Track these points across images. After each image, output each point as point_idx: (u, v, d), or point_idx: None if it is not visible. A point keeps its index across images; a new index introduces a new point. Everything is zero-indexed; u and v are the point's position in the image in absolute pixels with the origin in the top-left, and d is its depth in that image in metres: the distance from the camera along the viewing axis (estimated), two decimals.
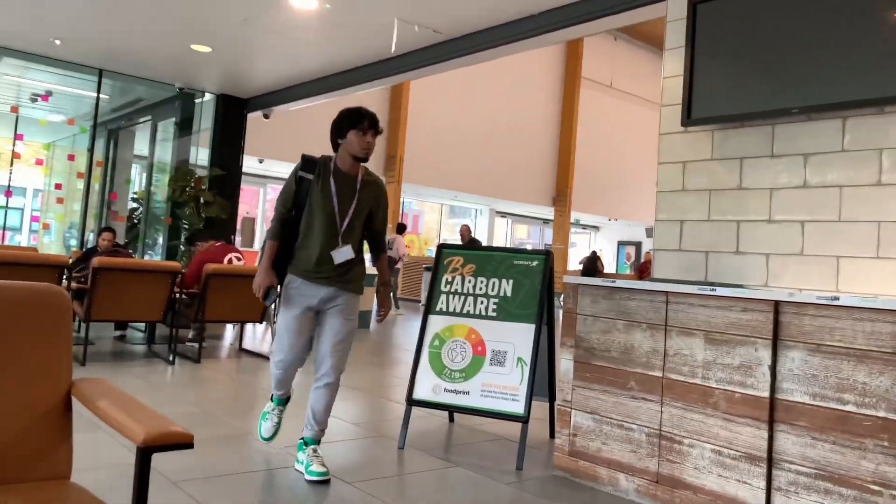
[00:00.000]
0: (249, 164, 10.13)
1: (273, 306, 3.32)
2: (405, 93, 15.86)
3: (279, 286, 3.34)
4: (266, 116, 9.51)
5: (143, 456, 1.53)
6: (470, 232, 12.17)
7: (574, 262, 19.55)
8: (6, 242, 12.94)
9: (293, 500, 2.93)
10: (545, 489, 3.28)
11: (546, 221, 22.58)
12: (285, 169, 15.23)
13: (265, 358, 6.52)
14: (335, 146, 3.28)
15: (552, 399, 4.16)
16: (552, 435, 4.22)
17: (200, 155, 9.49)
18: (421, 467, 3.51)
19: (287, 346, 3.28)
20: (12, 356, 1.80)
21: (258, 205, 16.94)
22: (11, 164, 9.35)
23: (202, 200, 8.79)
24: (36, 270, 5.20)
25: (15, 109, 9.82)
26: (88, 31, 6.95)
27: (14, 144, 9.77)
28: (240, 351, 6.93)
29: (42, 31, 7.07)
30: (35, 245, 13.06)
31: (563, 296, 3.68)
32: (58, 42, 7.39)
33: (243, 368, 6.00)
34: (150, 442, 1.52)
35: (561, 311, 3.88)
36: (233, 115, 9.40)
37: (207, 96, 9.44)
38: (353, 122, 3.19)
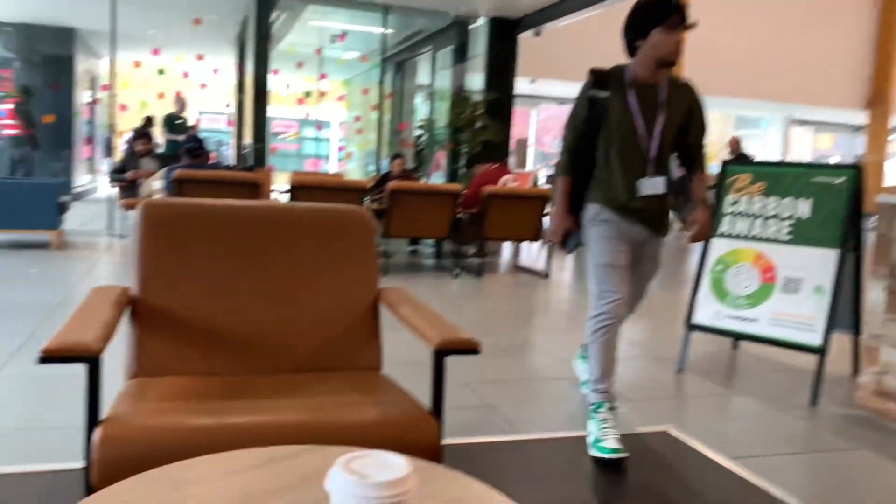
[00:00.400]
0: (521, 85, 10.24)
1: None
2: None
3: (578, 229, 2.80)
4: (537, 34, 9.47)
5: (438, 357, 1.70)
6: (739, 145, 10.98)
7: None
8: (319, 169, 14.86)
9: (572, 406, 3.05)
10: (845, 428, 2.98)
11: (858, 129, 19.54)
12: (557, 88, 15.12)
13: (540, 275, 6.74)
14: (632, 50, 2.61)
15: (857, 333, 3.70)
16: (856, 371, 3.78)
17: (476, 80, 9.83)
18: (702, 392, 3.40)
19: (617, 280, 2.62)
20: (330, 267, 2.09)
21: (530, 125, 17.16)
22: (318, 101, 10.61)
23: (478, 125, 9.16)
24: (341, 194, 5.92)
25: (319, 52, 11.06)
26: None
27: (319, 83, 11.05)
28: (516, 268, 7.26)
29: None
30: (340, 171, 14.83)
31: (875, 217, 3.19)
32: None
33: (520, 283, 6.29)
34: (443, 346, 1.68)
35: (872, 235, 3.38)
36: (504, 37, 9.52)
37: (480, 21, 9.66)
38: (658, 16, 2.51)
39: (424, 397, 1.75)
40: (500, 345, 4.04)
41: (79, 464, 2.15)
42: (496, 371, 3.51)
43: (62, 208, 6.64)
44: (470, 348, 1.70)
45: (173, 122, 10.53)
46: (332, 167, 17.66)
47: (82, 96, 12.97)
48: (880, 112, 16.83)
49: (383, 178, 7.48)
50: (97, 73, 14.21)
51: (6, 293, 4.57)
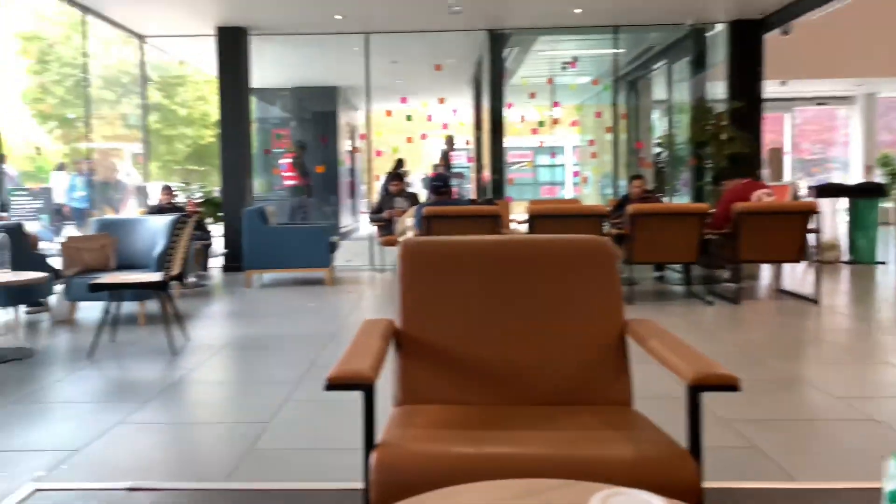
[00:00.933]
0: (770, 88, 9.44)
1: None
2: None
3: None
4: (785, 33, 8.68)
5: (693, 394, 1.63)
6: None
7: None
8: (556, 195, 15.00)
9: (857, 452, 2.70)
10: None
11: None
12: (812, 87, 13.70)
13: (808, 300, 6.07)
14: None
15: None
16: None
17: (717, 89, 9.28)
18: None
19: None
20: (575, 298, 2.11)
21: (784, 132, 15.70)
22: (552, 128, 10.76)
23: (723, 137, 8.61)
24: (580, 220, 5.92)
25: (550, 81, 11.25)
26: None
27: (552, 111, 11.21)
28: (779, 292, 6.62)
29: (565, 5, 7.88)
30: (576, 196, 14.80)
31: None
32: (578, 11, 8.15)
33: (784, 310, 5.73)
34: (699, 381, 1.61)
35: None
36: (747, 39, 8.88)
37: (718, 26, 9.13)
38: None
39: (678, 435, 1.68)
40: (764, 380, 3.72)
41: (357, 484, 2.40)
42: (761, 409, 3.23)
43: (332, 248, 7.49)
44: (728, 384, 1.61)
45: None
46: (567, 193, 17.73)
47: (344, 146, 14.58)
48: None
49: (622, 202, 7.33)
50: (355, 124, 15.89)
51: (291, 326, 5.26)
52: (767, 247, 5.90)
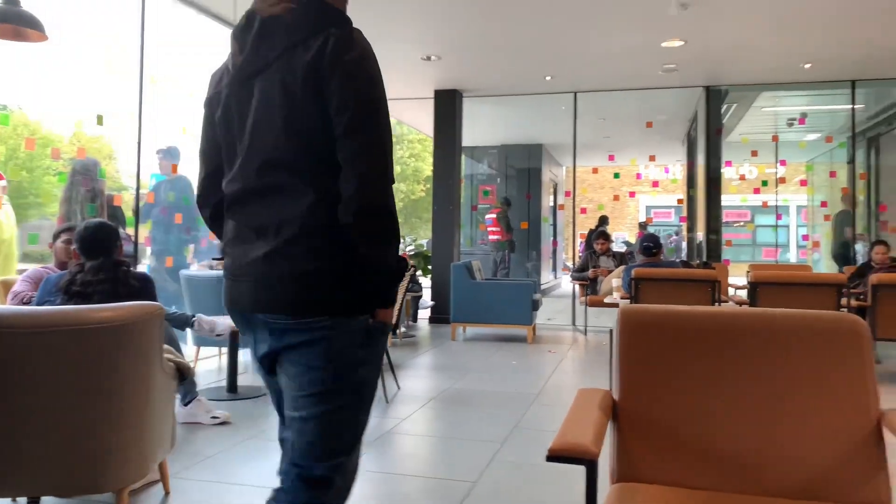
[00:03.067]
0: None
1: None
2: None
3: None
4: None
5: None
6: None
7: None
8: (778, 259, 13.86)
9: None
10: None
11: None
12: None
13: None
14: None
15: None
16: None
17: None
18: None
19: None
20: (818, 382, 1.90)
21: None
22: (777, 187, 10.00)
23: None
24: (812, 290, 5.36)
25: (775, 138, 10.51)
26: (838, 47, 6.87)
27: (777, 169, 10.44)
28: None
29: (793, 60, 7.37)
30: (803, 260, 13.54)
31: None
32: (807, 66, 7.58)
33: None
34: None
35: None
36: None
37: None
38: None
39: None
40: None
41: None
42: None
43: (535, 305, 7.50)
44: None
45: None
46: (791, 256, 16.29)
47: (547, 202, 14.71)
48: None
49: (862, 269, 6.56)
50: (559, 181, 16.00)
51: (495, 383, 5.30)
52: None
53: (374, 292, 1.51)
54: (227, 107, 1.59)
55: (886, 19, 6.05)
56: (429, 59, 7.47)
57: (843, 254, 9.27)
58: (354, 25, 1.53)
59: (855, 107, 8.59)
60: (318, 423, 1.51)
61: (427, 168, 21.03)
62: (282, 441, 1.62)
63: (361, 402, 1.56)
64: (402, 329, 7.64)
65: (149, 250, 6.60)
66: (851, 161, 9.20)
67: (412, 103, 9.58)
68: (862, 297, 5.78)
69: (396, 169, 21.03)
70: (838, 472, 1.83)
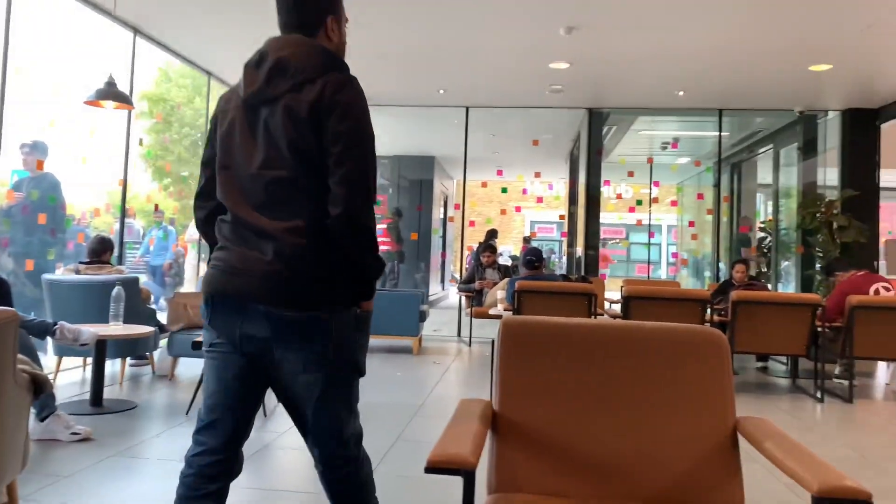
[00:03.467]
0: (887, 178, 9.00)
1: None
2: None
3: None
4: None
5: None
6: None
7: None
8: (651, 275, 14.66)
9: None
10: None
11: None
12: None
13: None
14: None
15: None
16: None
17: (828, 176, 8.91)
18: None
19: None
20: (682, 392, 2.00)
21: None
22: (650, 207, 10.60)
23: (835, 225, 8.20)
24: (680, 304, 5.70)
25: (650, 160, 11.15)
26: (707, 77, 7.38)
27: (651, 189, 11.06)
28: None
29: (668, 87, 7.86)
30: (673, 277, 14.38)
31: None
32: (681, 94, 8.10)
33: None
34: (825, 494, 1.48)
35: None
36: (862, 128, 8.55)
37: (831, 114, 8.85)
38: None
39: None
40: (883, 488, 3.39)
41: None
42: None
43: (422, 316, 7.53)
44: (861, 499, 1.46)
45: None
46: (662, 273, 17.28)
47: (437, 214, 14.85)
48: None
49: (724, 286, 7.05)
50: (449, 193, 16.20)
51: (378, 394, 5.26)
52: (885, 343, 5.50)
53: (361, 290, 1.88)
54: (231, 125, 1.86)
55: (749, 53, 6.57)
56: None
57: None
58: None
59: (721, 134, 9.26)
60: (324, 402, 1.87)
61: None
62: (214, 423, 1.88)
63: (357, 376, 1.95)
64: None
65: (6, 252, 6.07)
66: (717, 184, 9.91)
67: None
68: (723, 312, 6.21)
69: None
70: (698, 476, 1.94)
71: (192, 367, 5.97)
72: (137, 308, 5.29)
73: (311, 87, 1.77)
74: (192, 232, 9.52)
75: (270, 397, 4.86)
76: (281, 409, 4.62)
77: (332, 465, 1.94)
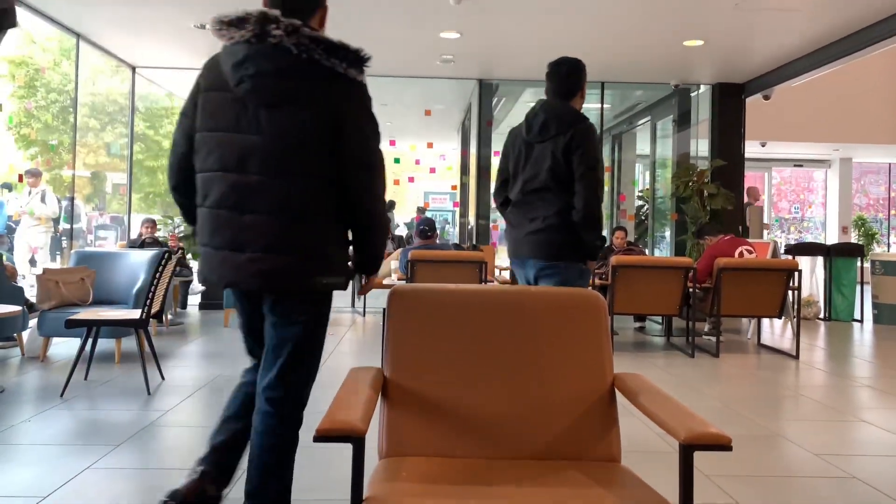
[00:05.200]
0: (750, 149, 9.68)
1: None
2: None
3: None
4: (766, 98, 8.96)
5: (687, 453, 1.60)
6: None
7: None
8: None
9: None
10: None
11: None
12: (790, 150, 14.05)
13: (787, 355, 6.13)
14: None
15: None
16: None
17: (700, 147, 9.48)
18: None
19: None
20: (565, 352, 2.10)
21: (763, 191, 16.02)
22: None
23: (706, 193, 8.76)
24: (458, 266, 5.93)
25: None
26: (591, 49, 7.63)
27: None
28: (759, 346, 6.67)
29: (554, 58, 8.04)
30: None
31: None
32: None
33: (764, 365, 5.76)
34: (691, 441, 1.59)
35: None
36: (730, 102, 9.14)
37: (703, 88, 9.38)
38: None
39: (662, 491, 1.66)
40: (745, 435, 3.71)
41: None
42: (742, 465, 3.22)
43: None
44: (722, 444, 1.59)
45: None
46: None
47: None
48: None
49: (604, 252, 7.38)
50: None
51: None
52: (749, 302, 5.97)
53: (589, 253, 3.20)
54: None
55: (628, 28, 6.83)
56: (203, 27, 7.00)
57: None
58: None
59: (603, 106, 9.61)
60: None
61: None
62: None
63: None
64: (169, 316, 7.14)
65: None
66: None
67: (186, 74, 8.94)
68: (604, 276, 6.52)
69: (164, 144, 19.53)
70: (579, 430, 2.04)
71: (65, 347, 5.63)
72: (2, 285, 4.91)
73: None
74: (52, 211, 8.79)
75: (154, 376, 4.66)
76: (165, 386, 4.45)
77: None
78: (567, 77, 3.35)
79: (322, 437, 1.53)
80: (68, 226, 8.97)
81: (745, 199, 9.63)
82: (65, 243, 9.60)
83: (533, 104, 3.43)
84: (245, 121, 1.96)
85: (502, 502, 1.62)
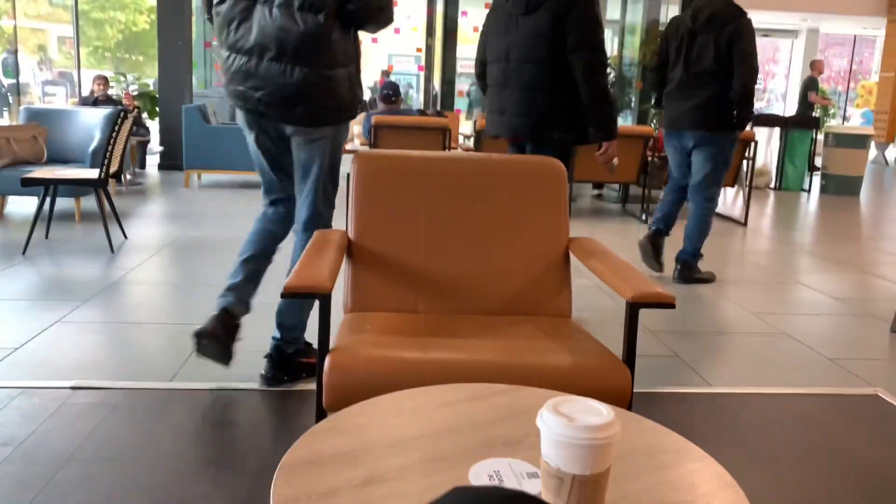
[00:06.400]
0: None
1: None
2: None
3: None
4: None
5: (632, 310, 1.73)
6: None
7: None
8: None
9: (765, 363, 2.94)
10: None
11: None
12: (758, 18, 13.79)
13: (736, 222, 6.38)
14: None
15: None
16: None
17: (671, 13, 9.27)
18: None
19: None
20: (525, 216, 2.18)
21: None
22: None
23: None
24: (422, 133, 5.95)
25: None
26: None
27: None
28: None
29: None
30: None
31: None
32: None
33: (714, 231, 5.92)
34: (637, 300, 1.71)
35: None
36: None
37: None
38: None
39: (608, 344, 1.81)
40: (689, 296, 3.94)
41: (307, 385, 2.49)
42: (684, 322, 3.45)
43: None
44: (665, 302, 1.71)
45: None
46: None
47: None
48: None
49: None
50: None
51: (233, 229, 5.21)
52: None
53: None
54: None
55: None
56: None
57: (805, 113, 10.22)
58: None
59: None
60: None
61: None
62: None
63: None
64: (128, 176, 7.03)
65: None
66: None
67: None
68: None
69: None
70: (534, 290, 2.16)
71: (22, 205, 5.55)
72: None
73: None
74: None
75: (117, 236, 4.68)
76: (128, 245, 4.48)
77: None
78: None
79: (290, 293, 1.61)
80: (13, 80, 8.54)
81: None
82: (11, 99, 9.16)
83: None
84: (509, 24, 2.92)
85: (461, 351, 1.74)
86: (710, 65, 3.82)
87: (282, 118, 2.31)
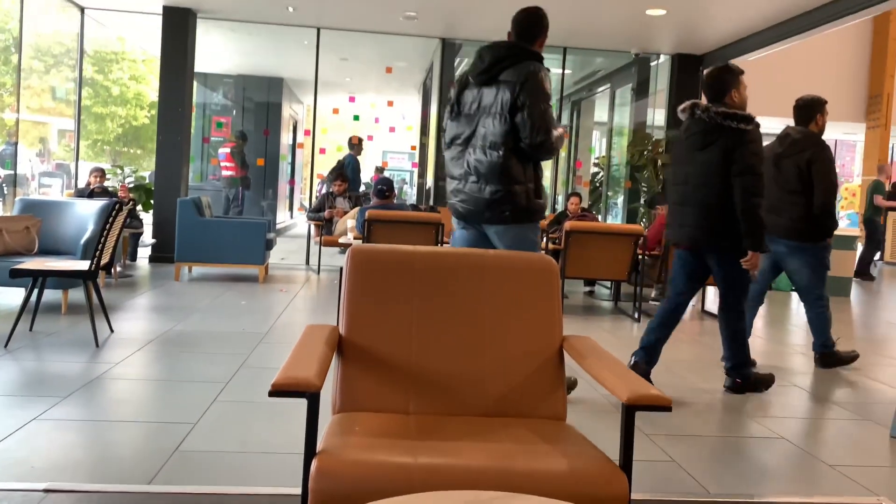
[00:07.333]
0: None
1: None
2: (893, 21, 13.24)
3: None
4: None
5: (628, 412, 1.69)
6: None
7: None
8: None
9: (767, 469, 2.85)
10: None
11: None
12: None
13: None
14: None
15: None
16: None
17: (657, 117, 9.61)
18: None
19: None
20: (517, 313, 2.16)
21: None
22: None
23: (660, 163, 8.92)
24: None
25: None
26: (556, 16, 7.60)
27: None
28: (702, 312, 6.90)
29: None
30: None
31: None
32: None
33: (705, 331, 5.98)
34: (633, 402, 1.67)
35: None
36: (688, 73, 9.25)
37: (662, 58, 9.47)
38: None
39: (604, 446, 1.74)
40: (685, 398, 3.87)
41: (292, 489, 2.38)
42: (681, 425, 3.37)
43: (269, 244, 7.36)
44: (662, 405, 1.67)
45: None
46: None
47: (286, 140, 14.34)
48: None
49: (559, 217, 7.49)
50: (299, 118, 15.65)
51: (222, 323, 5.14)
52: None
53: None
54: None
55: None
56: None
57: (872, 219, 10.15)
58: None
59: (564, 72, 9.63)
60: None
61: (152, 92, 19.14)
62: None
63: None
64: (118, 269, 7.01)
65: None
66: (558, 121, 10.35)
67: (135, 17, 8.61)
68: (557, 241, 6.63)
69: (114, 91, 18.78)
70: (528, 389, 2.11)
71: (8, 297, 5.49)
72: None
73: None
74: None
75: (103, 329, 4.60)
76: (113, 339, 4.40)
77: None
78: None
79: (277, 391, 1.56)
80: (11, 172, 8.65)
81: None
82: (6, 190, 9.25)
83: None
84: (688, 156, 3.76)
85: (451, 456, 1.67)
86: (794, 185, 4.40)
87: (477, 221, 3.30)
